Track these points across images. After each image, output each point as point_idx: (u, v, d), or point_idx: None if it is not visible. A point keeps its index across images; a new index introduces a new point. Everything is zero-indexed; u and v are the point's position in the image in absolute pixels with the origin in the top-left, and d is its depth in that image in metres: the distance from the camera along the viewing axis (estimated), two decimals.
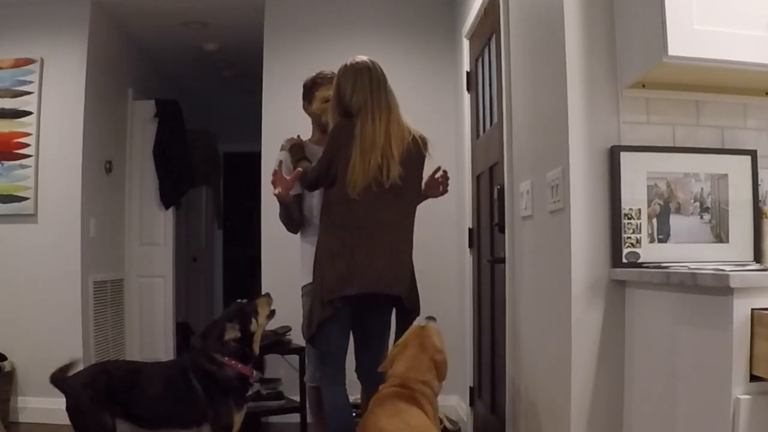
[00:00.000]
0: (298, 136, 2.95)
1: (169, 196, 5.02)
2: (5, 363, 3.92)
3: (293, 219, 2.79)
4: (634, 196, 1.98)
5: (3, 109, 4.14)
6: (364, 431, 2.14)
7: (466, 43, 3.81)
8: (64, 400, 2.58)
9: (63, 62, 4.19)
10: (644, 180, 1.98)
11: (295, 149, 2.81)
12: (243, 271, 6.87)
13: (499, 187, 2.84)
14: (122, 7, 4.47)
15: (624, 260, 1.96)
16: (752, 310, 1.47)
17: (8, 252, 4.11)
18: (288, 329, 3.77)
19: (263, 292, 2.92)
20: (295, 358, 3.75)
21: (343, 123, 2.52)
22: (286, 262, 3.43)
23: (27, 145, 4.12)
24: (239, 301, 2.80)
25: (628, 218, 1.97)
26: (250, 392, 3.58)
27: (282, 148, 2.90)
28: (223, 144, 6.90)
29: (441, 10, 4.32)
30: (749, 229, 2.02)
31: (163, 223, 5.04)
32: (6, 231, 4.11)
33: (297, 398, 3.71)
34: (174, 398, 2.62)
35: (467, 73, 3.80)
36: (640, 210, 1.97)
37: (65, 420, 2.59)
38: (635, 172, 1.98)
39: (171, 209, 5.07)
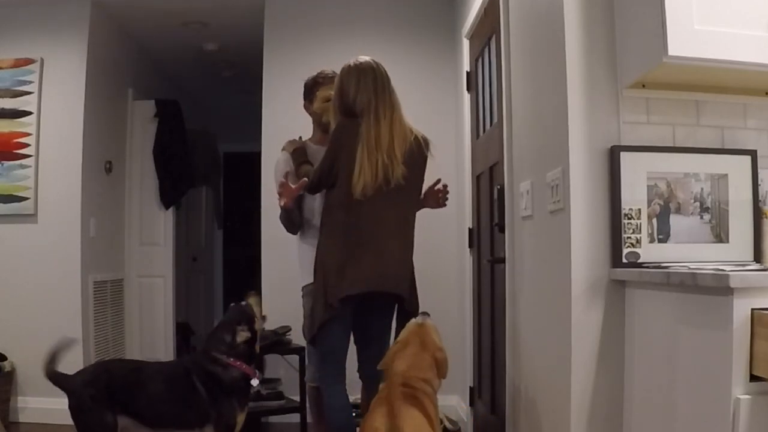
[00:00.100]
0: (300, 137, 2.95)
1: (169, 196, 5.02)
2: (5, 363, 3.92)
3: (294, 221, 2.80)
4: (634, 196, 1.98)
5: (3, 109, 4.14)
6: (364, 431, 2.14)
7: (466, 43, 3.82)
8: (63, 400, 2.58)
9: (63, 62, 4.19)
10: (644, 180, 1.98)
11: (298, 153, 2.80)
12: (243, 271, 6.87)
13: (499, 187, 2.84)
14: (122, 7, 4.47)
15: (624, 260, 1.96)
16: (752, 310, 1.47)
17: (8, 252, 4.11)
18: (288, 329, 3.77)
19: (261, 291, 2.92)
20: (295, 358, 3.74)
21: (345, 123, 2.52)
22: (286, 262, 3.44)
23: (27, 145, 4.12)
24: (242, 303, 2.81)
25: (628, 218, 1.97)
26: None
27: (283, 149, 2.90)
28: (223, 144, 6.90)
29: (441, 10, 4.32)
30: (749, 229, 2.02)
31: (163, 223, 5.04)
32: (6, 231, 4.11)
33: (297, 398, 3.71)
34: (176, 398, 2.62)
35: (467, 73, 3.80)
36: (640, 210, 1.98)
37: (65, 420, 2.60)
38: (635, 172, 1.98)
39: (171, 209, 5.07)
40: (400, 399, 2.12)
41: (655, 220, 1.98)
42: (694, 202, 2.00)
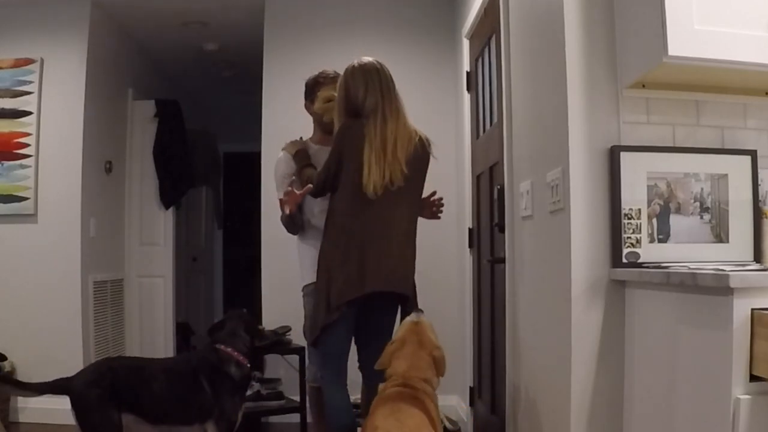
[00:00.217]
0: (301, 137, 2.95)
1: (169, 196, 5.02)
2: (5, 363, 3.92)
3: (296, 223, 2.80)
4: (634, 196, 1.98)
5: (3, 109, 4.14)
6: (365, 431, 2.14)
7: (466, 43, 3.81)
8: (63, 400, 2.56)
9: (63, 62, 4.19)
10: (644, 180, 1.98)
11: (300, 155, 2.80)
12: (243, 271, 6.87)
13: (499, 187, 2.84)
14: (122, 7, 4.47)
15: (624, 260, 1.96)
16: (752, 310, 1.47)
17: (8, 252, 4.10)
18: (288, 329, 3.77)
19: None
20: (295, 358, 3.74)
21: (350, 124, 2.52)
22: (286, 262, 3.44)
23: (27, 145, 4.12)
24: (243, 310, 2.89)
25: (628, 218, 1.97)
26: (250, 392, 3.60)
27: (283, 149, 2.90)
28: (223, 144, 6.90)
29: (441, 10, 4.32)
30: (749, 229, 2.02)
31: (163, 223, 5.03)
32: (6, 231, 4.11)
33: (297, 398, 3.71)
34: (180, 395, 2.63)
35: (467, 73, 3.80)
36: (640, 210, 1.97)
37: (65, 420, 2.59)
38: (635, 172, 1.98)
39: (171, 209, 5.06)
40: (402, 400, 2.12)
41: (655, 220, 1.98)
42: (694, 202, 2.00)
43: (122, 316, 4.80)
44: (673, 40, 1.75)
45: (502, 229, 2.78)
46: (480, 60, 3.49)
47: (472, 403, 3.70)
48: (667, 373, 1.73)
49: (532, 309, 2.43)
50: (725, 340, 1.48)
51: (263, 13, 4.35)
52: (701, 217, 2.00)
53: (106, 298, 4.49)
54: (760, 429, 1.46)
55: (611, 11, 2.04)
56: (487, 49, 3.30)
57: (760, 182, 2.03)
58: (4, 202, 4.11)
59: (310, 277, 2.71)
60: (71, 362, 3.58)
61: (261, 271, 4.20)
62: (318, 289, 2.56)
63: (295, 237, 2.90)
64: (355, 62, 2.58)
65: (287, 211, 2.65)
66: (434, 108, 4.19)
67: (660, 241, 1.98)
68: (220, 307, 7.05)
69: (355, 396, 2.76)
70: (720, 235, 2.00)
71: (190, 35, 5.00)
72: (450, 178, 4.12)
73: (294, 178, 2.78)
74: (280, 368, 4.05)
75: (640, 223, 1.97)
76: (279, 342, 3.74)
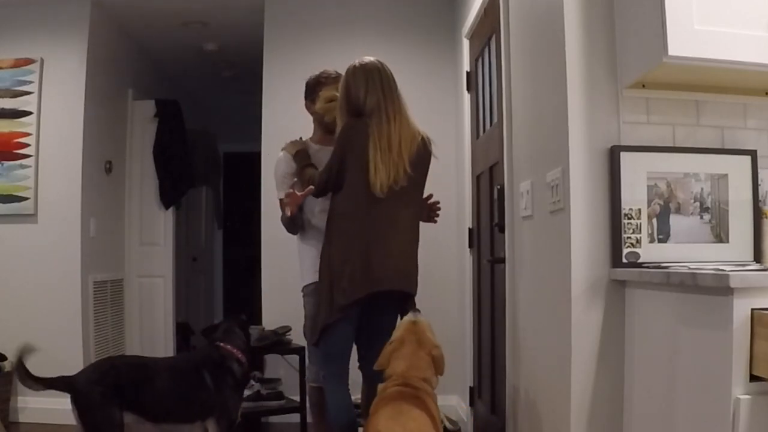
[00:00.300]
0: (301, 137, 2.94)
1: (169, 196, 5.02)
2: (5, 363, 3.91)
3: (297, 223, 2.79)
4: (634, 196, 1.98)
5: (3, 109, 4.14)
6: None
7: (466, 43, 3.81)
8: (64, 400, 2.57)
9: (63, 62, 4.19)
10: (644, 180, 1.98)
11: (300, 155, 2.79)
12: (243, 271, 6.87)
13: (499, 187, 2.84)
14: (122, 7, 4.47)
15: (624, 260, 1.96)
16: (752, 310, 1.47)
17: (8, 252, 4.10)
18: (288, 329, 3.77)
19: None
20: (295, 358, 3.74)
21: (353, 123, 2.52)
22: (286, 262, 3.44)
23: (27, 145, 4.12)
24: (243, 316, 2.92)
25: (628, 218, 1.97)
26: (250, 392, 3.60)
27: (284, 149, 2.90)
28: (223, 144, 6.90)
29: (441, 10, 4.32)
30: (749, 229, 2.02)
31: (163, 223, 5.03)
32: (6, 231, 4.11)
33: (297, 398, 3.71)
34: (183, 393, 2.63)
35: (467, 73, 3.80)
36: (640, 210, 1.97)
37: (65, 420, 2.59)
38: (635, 172, 1.98)
39: (171, 209, 5.06)
40: (404, 400, 2.12)
41: (655, 220, 1.98)
42: (694, 202, 2.00)
43: (122, 316, 4.80)
44: (673, 40, 1.75)
45: (502, 229, 2.78)
46: (480, 60, 3.49)
47: (472, 403, 3.70)
48: (667, 373, 1.73)
49: (532, 309, 2.43)
50: (725, 340, 1.48)
51: (263, 12, 4.35)
52: (701, 217, 2.00)
53: (106, 298, 4.49)
54: (760, 429, 1.46)
55: (611, 11, 2.04)
56: (487, 49, 3.30)
57: (760, 182, 2.03)
58: (4, 202, 4.11)
59: (311, 277, 2.71)
60: (71, 362, 3.57)
61: (261, 271, 4.20)
62: (320, 288, 2.56)
63: (296, 237, 2.90)
64: (357, 62, 2.58)
65: (288, 213, 2.64)
66: (434, 108, 4.18)
67: (660, 241, 1.98)
68: (220, 307, 7.05)
69: (356, 396, 2.76)
70: (720, 235, 2.00)
71: (190, 35, 5.00)
72: (450, 178, 4.12)
73: (295, 179, 2.78)
74: (280, 368, 4.05)
75: (640, 223, 1.97)
76: (279, 342, 3.73)
